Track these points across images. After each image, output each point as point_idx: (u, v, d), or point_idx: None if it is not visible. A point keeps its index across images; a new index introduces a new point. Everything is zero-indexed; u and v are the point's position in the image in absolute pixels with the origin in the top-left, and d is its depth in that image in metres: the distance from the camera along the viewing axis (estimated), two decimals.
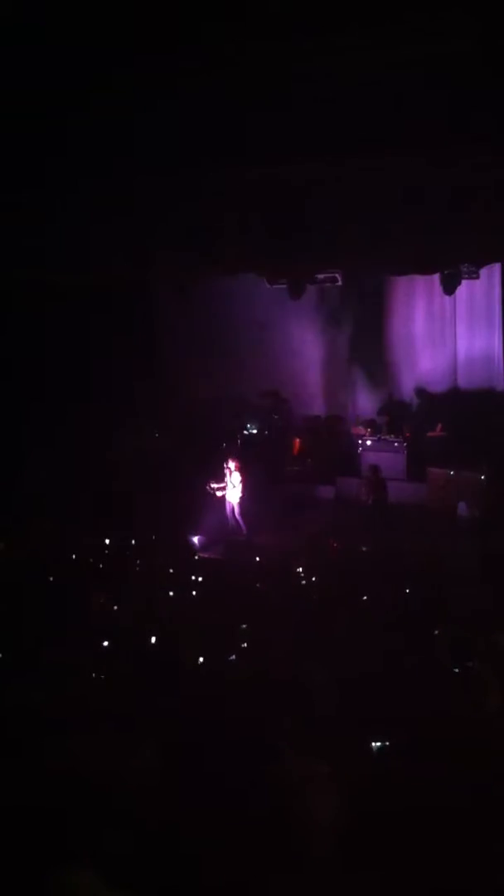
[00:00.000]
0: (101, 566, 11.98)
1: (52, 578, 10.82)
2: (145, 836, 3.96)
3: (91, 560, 12.22)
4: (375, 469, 13.75)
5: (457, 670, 7.60)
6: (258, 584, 10.98)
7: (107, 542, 13.05)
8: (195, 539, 13.74)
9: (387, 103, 6.14)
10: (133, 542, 13.16)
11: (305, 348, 17.89)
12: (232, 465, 14.23)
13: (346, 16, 5.28)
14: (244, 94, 6.23)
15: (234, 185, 8.40)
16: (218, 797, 4.33)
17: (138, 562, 12.12)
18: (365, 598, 10.18)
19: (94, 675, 7.12)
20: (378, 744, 5.70)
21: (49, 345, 15.48)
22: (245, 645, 8.58)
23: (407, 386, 17.06)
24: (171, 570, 11.78)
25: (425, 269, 14.34)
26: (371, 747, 5.66)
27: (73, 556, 12.21)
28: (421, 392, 16.85)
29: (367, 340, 17.17)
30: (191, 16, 5.36)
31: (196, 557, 13.13)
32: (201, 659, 7.93)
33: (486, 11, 5.18)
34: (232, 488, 14.07)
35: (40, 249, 10.35)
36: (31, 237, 9.95)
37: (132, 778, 4.51)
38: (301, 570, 11.82)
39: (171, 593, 10.47)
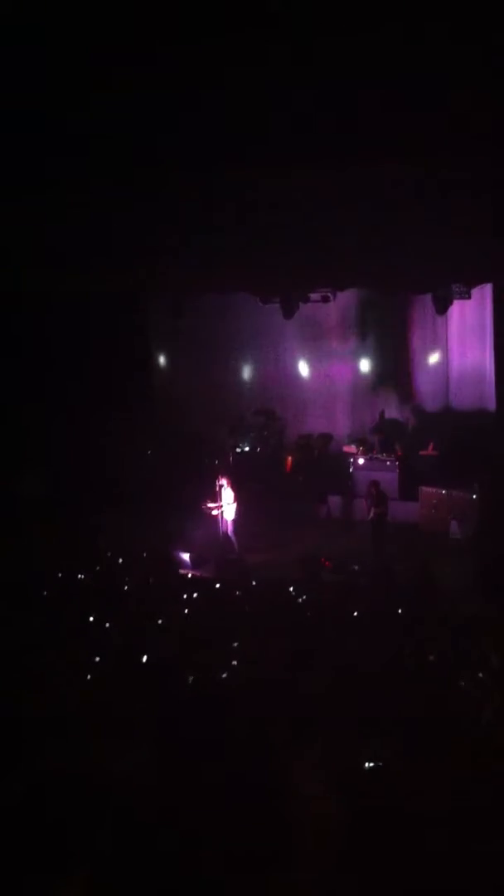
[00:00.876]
0: (92, 582, 11.92)
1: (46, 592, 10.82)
2: (142, 837, 3.93)
3: (83, 577, 12.16)
4: (376, 484, 13.74)
5: (450, 683, 7.59)
6: (246, 607, 10.92)
7: (98, 559, 12.98)
8: (185, 556, 13.67)
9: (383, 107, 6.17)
10: (121, 560, 13.10)
11: (298, 367, 17.95)
12: (224, 482, 14.21)
13: (346, 18, 5.30)
14: (242, 97, 6.25)
15: (228, 192, 8.43)
16: (216, 799, 4.30)
17: (127, 579, 12.04)
18: (356, 613, 10.16)
19: (90, 680, 7.12)
20: (371, 764, 5.69)
21: (44, 354, 15.50)
22: (235, 663, 8.56)
23: (399, 405, 17.10)
24: (161, 588, 11.73)
25: (418, 289, 14.48)
26: (365, 765, 5.65)
27: (66, 573, 12.14)
28: (413, 411, 16.90)
29: (359, 359, 17.23)
30: (191, 19, 5.39)
31: (189, 575, 13.06)
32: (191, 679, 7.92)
33: (486, 13, 5.22)
34: (226, 506, 14.04)
35: (36, 255, 10.36)
36: (28, 242, 9.96)
37: (129, 780, 4.48)
38: (293, 588, 11.78)
39: (162, 611, 10.42)
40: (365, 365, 17.17)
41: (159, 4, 5.28)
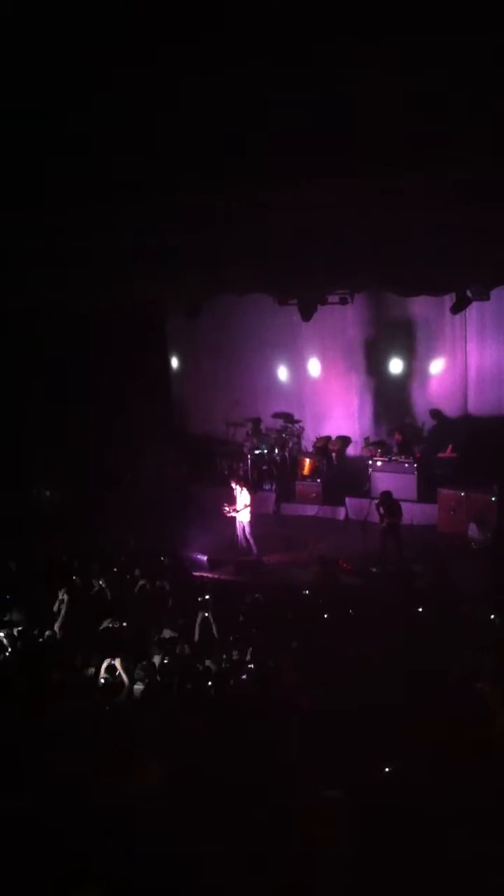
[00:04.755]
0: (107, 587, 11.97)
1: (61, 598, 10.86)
2: (152, 850, 3.94)
3: (101, 583, 12.20)
4: (388, 494, 13.64)
5: (466, 691, 7.56)
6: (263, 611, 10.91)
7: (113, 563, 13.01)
8: (203, 558, 13.70)
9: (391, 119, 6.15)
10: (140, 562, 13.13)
11: (317, 369, 17.90)
12: (239, 485, 14.21)
13: (355, 20, 5.25)
14: (248, 111, 6.23)
15: (241, 206, 8.42)
16: (226, 810, 4.30)
17: (147, 585, 12.06)
18: (374, 617, 10.14)
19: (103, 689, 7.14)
20: (388, 769, 5.68)
21: (64, 364, 15.61)
22: (252, 666, 8.57)
23: (418, 407, 17.00)
24: (178, 591, 11.75)
25: (435, 291, 14.36)
26: (381, 771, 5.64)
27: (81, 578, 12.19)
28: (431, 413, 16.78)
29: (378, 361, 17.16)
30: (193, 27, 5.37)
31: (205, 576, 13.08)
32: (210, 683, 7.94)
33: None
34: (242, 508, 14.03)
35: (50, 273, 10.43)
36: (39, 261, 10.03)
37: (140, 797, 4.49)
38: (309, 591, 11.77)
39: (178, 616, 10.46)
40: (383, 367, 17.08)
41: (159, 4, 5.26)
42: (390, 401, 17.24)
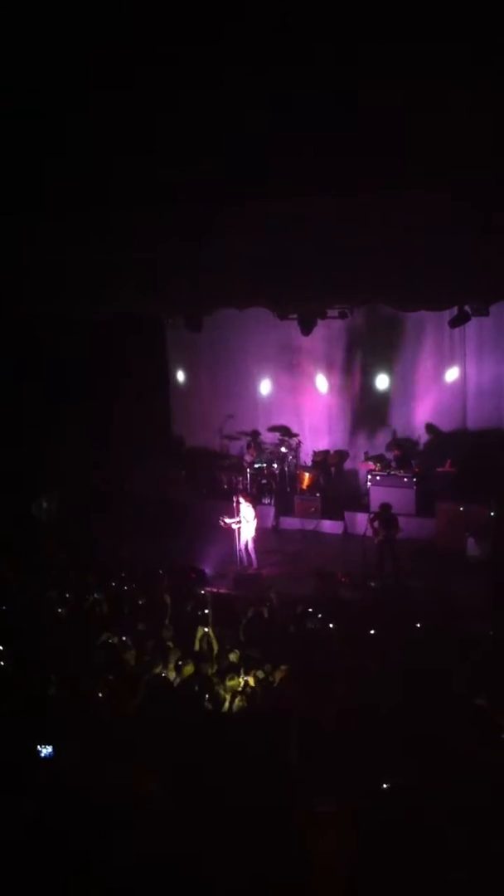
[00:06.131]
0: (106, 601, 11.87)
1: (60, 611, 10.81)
2: (155, 859, 3.86)
3: (97, 596, 12.12)
4: (388, 507, 13.56)
5: (466, 706, 7.47)
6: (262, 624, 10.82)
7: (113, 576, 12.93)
8: (202, 571, 13.61)
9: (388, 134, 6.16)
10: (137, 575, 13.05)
11: (316, 383, 17.89)
12: (242, 499, 14.14)
13: (357, 29, 5.28)
14: (248, 112, 6.25)
15: (240, 209, 8.42)
16: (226, 820, 4.23)
17: (141, 602, 11.96)
18: (373, 632, 10.05)
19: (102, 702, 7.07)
20: (387, 785, 5.60)
21: (63, 374, 15.62)
22: (248, 678, 8.49)
23: (416, 421, 16.98)
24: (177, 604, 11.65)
25: (436, 305, 14.36)
26: (380, 786, 5.56)
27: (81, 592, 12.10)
28: (430, 427, 16.76)
29: (377, 375, 17.14)
30: (193, 27, 5.39)
31: (202, 591, 12.99)
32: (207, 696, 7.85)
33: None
34: (246, 523, 13.95)
35: (53, 282, 10.43)
36: (39, 270, 10.03)
37: (141, 801, 4.42)
38: (307, 604, 11.67)
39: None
40: (381, 381, 17.07)
41: (161, 6, 5.29)
42: (388, 415, 17.21)
